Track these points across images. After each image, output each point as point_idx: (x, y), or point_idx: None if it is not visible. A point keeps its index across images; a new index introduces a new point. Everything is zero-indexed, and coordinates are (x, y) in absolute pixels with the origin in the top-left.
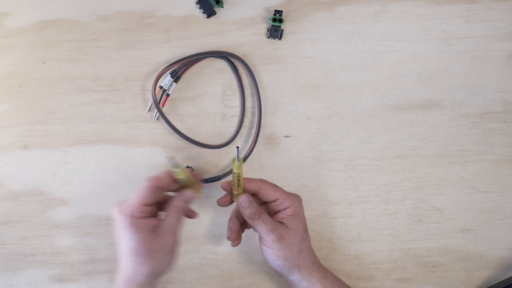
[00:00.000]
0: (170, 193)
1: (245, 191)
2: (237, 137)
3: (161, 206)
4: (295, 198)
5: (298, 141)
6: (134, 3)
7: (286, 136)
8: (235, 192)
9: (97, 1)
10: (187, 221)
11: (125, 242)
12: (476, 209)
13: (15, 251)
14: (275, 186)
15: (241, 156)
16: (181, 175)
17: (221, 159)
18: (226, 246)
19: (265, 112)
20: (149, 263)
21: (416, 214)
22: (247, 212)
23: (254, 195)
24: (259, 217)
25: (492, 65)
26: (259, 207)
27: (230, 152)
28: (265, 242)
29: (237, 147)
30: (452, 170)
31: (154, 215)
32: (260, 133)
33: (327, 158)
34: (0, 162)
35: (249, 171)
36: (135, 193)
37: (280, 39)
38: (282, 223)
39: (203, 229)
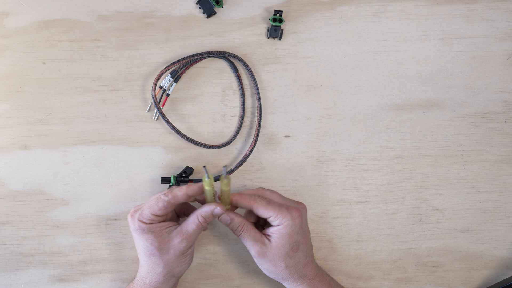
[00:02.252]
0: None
1: (237, 206)
2: (237, 137)
3: (182, 211)
4: (289, 215)
5: (298, 141)
6: (134, 3)
7: (286, 136)
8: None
9: (97, 1)
10: None
11: (138, 242)
12: (476, 209)
13: (15, 251)
14: (268, 203)
15: (242, 155)
16: (226, 186)
17: (221, 159)
18: (226, 246)
19: (265, 112)
20: (162, 263)
21: (416, 214)
22: (229, 227)
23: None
24: (242, 232)
25: (492, 65)
26: (242, 221)
27: (230, 152)
28: (250, 252)
29: (204, 166)
30: (452, 170)
31: (171, 218)
32: (260, 133)
33: (327, 158)
34: (0, 162)
35: (249, 171)
36: (150, 202)
37: (280, 39)
38: (269, 236)
39: None
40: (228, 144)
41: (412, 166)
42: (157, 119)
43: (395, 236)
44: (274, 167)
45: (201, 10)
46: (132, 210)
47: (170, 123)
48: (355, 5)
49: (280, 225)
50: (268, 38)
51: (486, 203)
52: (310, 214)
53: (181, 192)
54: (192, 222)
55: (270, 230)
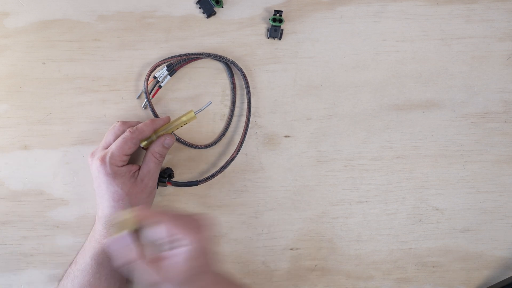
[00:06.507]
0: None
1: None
2: (230, 139)
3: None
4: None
5: (298, 141)
6: (134, 3)
7: (286, 136)
8: (162, 131)
9: (97, 1)
10: None
11: (106, 188)
12: (476, 209)
13: (15, 251)
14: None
15: (237, 155)
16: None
17: (221, 159)
18: (226, 246)
19: (265, 112)
20: (130, 207)
21: (416, 214)
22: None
23: None
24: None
25: (492, 65)
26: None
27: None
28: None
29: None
30: (452, 170)
31: (130, 161)
32: (260, 133)
33: (327, 158)
34: (0, 162)
35: (249, 171)
36: (117, 143)
37: (280, 39)
38: None
39: None
40: (215, 144)
41: (412, 166)
42: (145, 108)
43: (395, 236)
44: (274, 167)
45: (201, 10)
46: (100, 157)
47: (157, 114)
48: (355, 5)
49: None
50: (268, 38)
51: (486, 203)
52: (310, 214)
53: (148, 127)
54: (150, 161)
55: None
